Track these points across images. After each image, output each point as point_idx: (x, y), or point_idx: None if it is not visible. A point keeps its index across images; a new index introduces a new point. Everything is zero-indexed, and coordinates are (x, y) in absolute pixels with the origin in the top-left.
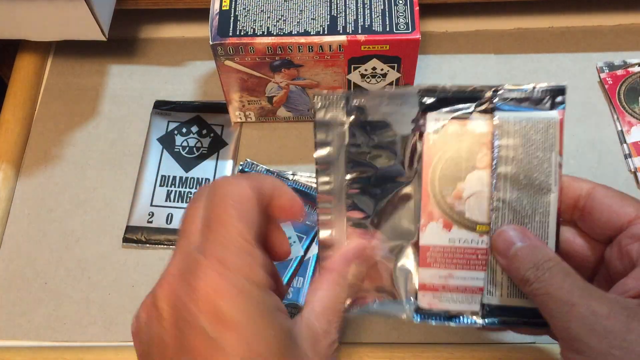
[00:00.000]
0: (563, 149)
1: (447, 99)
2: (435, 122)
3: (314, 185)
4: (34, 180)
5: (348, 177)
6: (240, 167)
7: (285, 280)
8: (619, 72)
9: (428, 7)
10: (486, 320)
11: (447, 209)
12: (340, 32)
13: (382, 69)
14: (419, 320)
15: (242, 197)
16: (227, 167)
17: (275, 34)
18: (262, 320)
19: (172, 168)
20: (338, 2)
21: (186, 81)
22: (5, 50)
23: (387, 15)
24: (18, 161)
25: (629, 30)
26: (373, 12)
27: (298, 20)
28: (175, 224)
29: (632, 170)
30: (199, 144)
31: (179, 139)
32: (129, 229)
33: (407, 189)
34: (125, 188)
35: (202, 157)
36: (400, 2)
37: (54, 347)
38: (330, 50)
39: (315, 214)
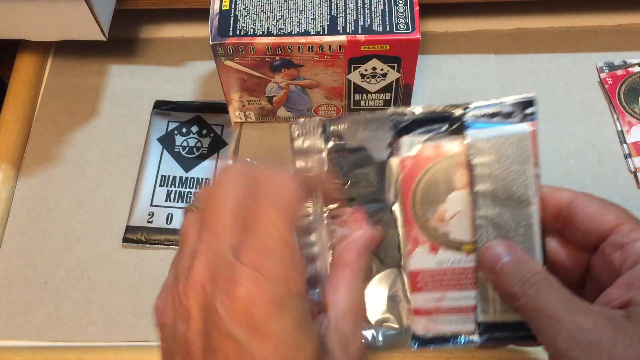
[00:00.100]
0: (539, 160)
1: (419, 121)
2: (409, 146)
3: None
4: (34, 180)
5: (330, 205)
6: None
7: None
8: (619, 72)
9: (428, 7)
10: (483, 338)
11: (432, 232)
12: (340, 32)
13: (382, 69)
14: (416, 347)
15: (288, 196)
16: None
17: (275, 34)
18: (299, 331)
19: (172, 168)
20: (338, 2)
21: (186, 81)
22: (5, 50)
23: (387, 15)
24: (18, 161)
25: (629, 30)
26: (373, 12)
27: (298, 20)
28: (176, 224)
29: (632, 170)
30: (199, 144)
31: (179, 139)
32: (129, 229)
33: (389, 216)
34: (125, 188)
35: (202, 157)
36: (400, 2)
37: (54, 347)
38: (330, 50)
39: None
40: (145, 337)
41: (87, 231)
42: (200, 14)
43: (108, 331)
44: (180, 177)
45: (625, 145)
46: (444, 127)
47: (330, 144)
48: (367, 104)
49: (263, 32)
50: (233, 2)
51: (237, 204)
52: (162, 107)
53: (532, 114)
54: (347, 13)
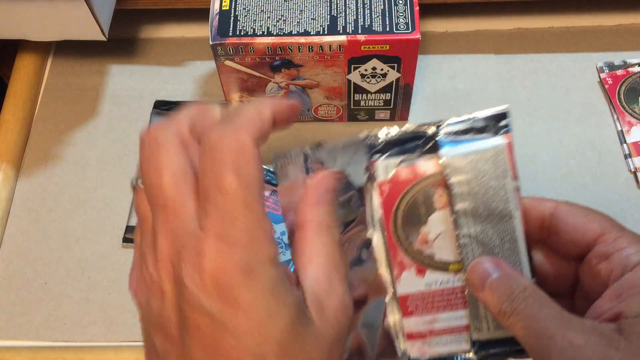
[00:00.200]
0: (517, 172)
1: (392, 142)
2: (385, 170)
3: None
4: (34, 180)
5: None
6: None
7: None
8: (619, 72)
9: (428, 7)
10: (479, 355)
11: (417, 255)
12: (340, 32)
13: (382, 69)
14: None
15: (242, 155)
16: None
17: (275, 34)
18: (271, 298)
19: None
20: (338, 2)
21: (186, 81)
22: (5, 50)
23: (387, 15)
24: (18, 161)
25: (629, 30)
26: (373, 12)
27: (298, 20)
28: None
29: (632, 170)
30: None
31: None
32: (129, 229)
33: (373, 242)
34: (125, 188)
35: None
36: (400, 2)
37: (54, 347)
38: (330, 50)
39: None
40: None
41: (87, 231)
42: (200, 14)
43: (108, 331)
44: None
45: (625, 145)
46: (419, 148)
47: (311, 173)
48: (367, 104)
49: (263, 32)
50: (233, 2)
51: (195, 179)
52: (162, 107)
53: (506, 126)
54: (347, 13)
